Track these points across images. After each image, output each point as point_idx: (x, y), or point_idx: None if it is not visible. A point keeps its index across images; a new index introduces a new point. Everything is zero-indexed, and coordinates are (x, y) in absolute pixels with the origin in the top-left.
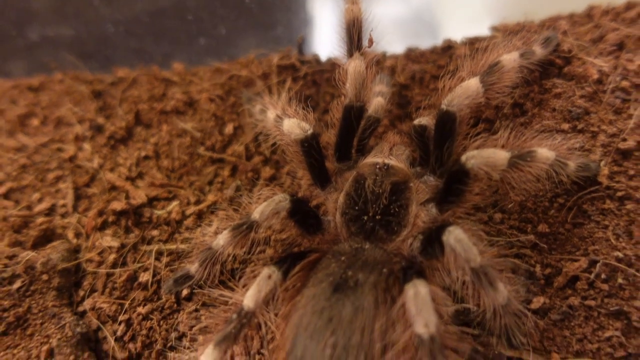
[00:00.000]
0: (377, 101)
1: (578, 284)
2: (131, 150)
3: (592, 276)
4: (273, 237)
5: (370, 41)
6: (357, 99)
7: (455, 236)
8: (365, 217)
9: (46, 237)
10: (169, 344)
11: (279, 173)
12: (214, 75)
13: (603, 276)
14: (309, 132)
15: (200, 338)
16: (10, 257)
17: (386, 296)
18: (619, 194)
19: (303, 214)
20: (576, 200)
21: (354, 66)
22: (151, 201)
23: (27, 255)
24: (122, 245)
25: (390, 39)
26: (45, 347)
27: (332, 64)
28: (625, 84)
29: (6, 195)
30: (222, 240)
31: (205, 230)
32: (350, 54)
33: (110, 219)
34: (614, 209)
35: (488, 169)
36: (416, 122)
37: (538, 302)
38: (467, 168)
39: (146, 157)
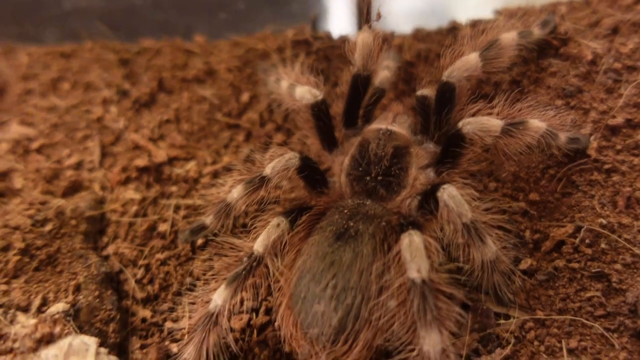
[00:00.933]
0: (383, 74)
1: (564, 248)
2: (154, 114)
3: (577, 241)
4: (282, 196)
5: (379, 15)
6: (364, 68)
7: (449, 193)
8: (368, 178)
9: (74, 188)
10: (184, 287)
11: (290, 139)
12: (233, 47)
13: (587, 241)
14: (319, 97)
15: (213, 282)
16: (43, 203)
17: (383, 244)
18: (606, 166)
19: (311, 171)
20: (566, 172)
21: (362, 38)
22: (171, 160)
23: (58, 202)
24: (144, 199)
25: (400, 20)
26: (73, 282)
27: (344, 41)
28: (617, 65)
29: (39, 150)
30: (235, 193)
31: (220, 187)
32: (359, 27)
33: (134, 174)
34: (600, 181)
35: (482, 134)
36: (418, 92)
37: (526, 263)
38: (463, 132)
39: (167, 121)
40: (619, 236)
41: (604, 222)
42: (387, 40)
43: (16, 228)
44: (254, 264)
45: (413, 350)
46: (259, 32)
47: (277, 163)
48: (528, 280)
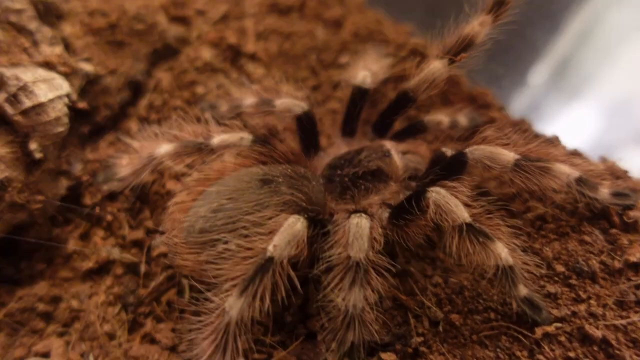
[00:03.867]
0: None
1: None
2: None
3: None
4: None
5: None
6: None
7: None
8: (339, 171)
9: (183, 19)
10: None
11: None
12: None
13: None
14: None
15: None
16: None
17: (279, 208)
18: (538, 357)
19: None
20: (502, 327)
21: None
22: (252, 55)
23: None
24: (210, 63)
25: None
26: None
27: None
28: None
29: None
30: (164, 150)
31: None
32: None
33: (222, 45)
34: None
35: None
36: (440, 149)
37: (390, 358)
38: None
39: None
40: None
41: None
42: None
43: None
44: (202, 149)
45: None
46: None
47: (229, 138)
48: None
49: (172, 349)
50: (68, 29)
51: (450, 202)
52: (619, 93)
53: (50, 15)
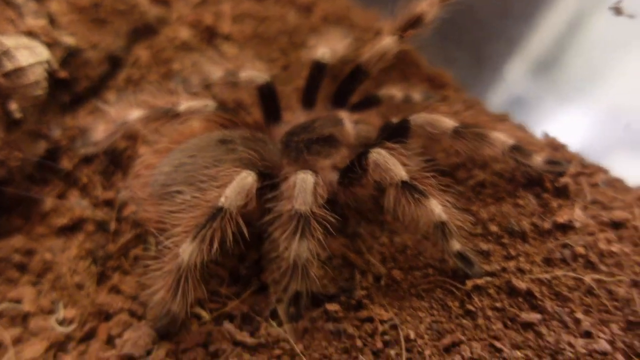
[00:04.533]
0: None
1: (367, 325)
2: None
3: (381, 329)
4: None
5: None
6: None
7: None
8: (295, 138)
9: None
10: None
11: None
12: None
13: (386, 336)
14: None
15: None
16: None
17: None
18: (469, 307)
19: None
20: (438, 281)
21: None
22: (227, 36)
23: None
24: (189, 41)
25: None
26: None
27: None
28: (580, 250)
29: None
30: (136, 114)
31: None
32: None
33: (200, 27)
34: (453, 310)
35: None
36: (387, 120)
37: (334, 307)
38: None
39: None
40: (409, 349)
41: (414, 337)
42: None
43: None
44: (170, 114)
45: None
46: None
47: (194, 105)
48: (321, 319)
49: (135, 297)
50: (54, 6)
51: (388, 161)
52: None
53: None
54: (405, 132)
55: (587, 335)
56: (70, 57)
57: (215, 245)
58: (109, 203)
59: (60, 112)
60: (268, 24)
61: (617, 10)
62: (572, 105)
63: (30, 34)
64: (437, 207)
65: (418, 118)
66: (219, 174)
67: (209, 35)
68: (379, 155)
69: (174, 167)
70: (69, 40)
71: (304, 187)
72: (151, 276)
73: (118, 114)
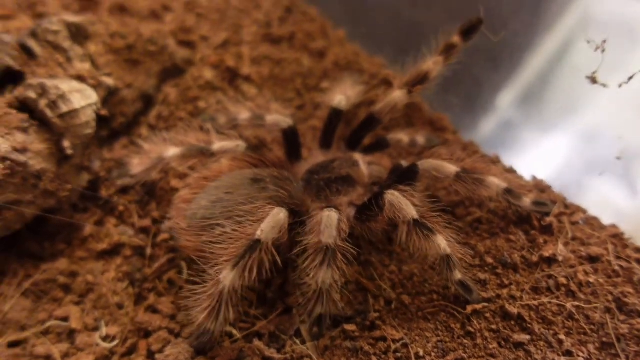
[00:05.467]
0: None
1: (381, 343)
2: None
3: (393, 347)
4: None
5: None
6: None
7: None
8: (316, 176)
9: (187, 44)
10: None
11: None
12: None
13: (398, 354)
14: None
15: None
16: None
17: (264, 203)
18: (469, 328)
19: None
20: (442, 305)
21: (396, 96)
22: (246, 77)
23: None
24: (210, 82)
25: None
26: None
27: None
28: (562, 280)
29: None
30: (172, 152)
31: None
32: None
33: (223, 67)
34: (456, 331)
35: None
36: (398, 162)
37: (352, 328)
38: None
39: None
40: None
41: (422, 355)
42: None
43: None
44: (204, 152)
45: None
46: None
47: (227, 145)
48: (340, 338)
49: (172, 317)
50: (92, 47)
51: (402, 202)
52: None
53: (79, 36)
54: (414, 176)
55: (569, 353)
56: (109, 96)
57: (254, 273)
58: (144, 230)
59: (99, 146)
60: (283, 67)
61: (593, 80)
62: (553, 134)
63: (79, 77)
64: (442, 242)
65: (425, 163)
66: (255, 210)
67: (231, 76)
68: (393, 196)
69: (212, 202)
70: (108, 80)
71: (329, 223)
72: (192, 298)
73: (152, 150)
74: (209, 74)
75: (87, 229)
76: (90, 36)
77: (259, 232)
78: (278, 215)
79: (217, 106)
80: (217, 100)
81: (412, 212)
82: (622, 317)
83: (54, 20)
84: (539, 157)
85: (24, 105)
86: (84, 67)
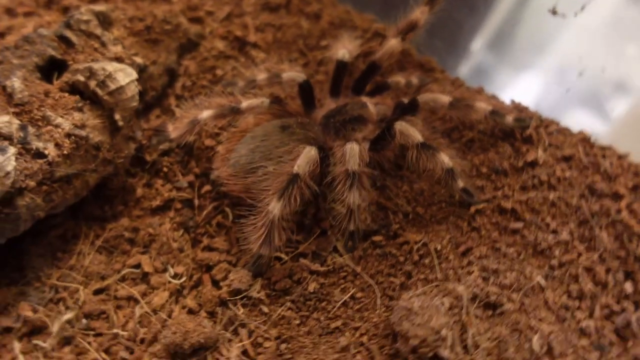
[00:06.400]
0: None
1: (405, 246)
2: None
3: (415, 247)
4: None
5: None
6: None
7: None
8: (332, 120)
9: (197, 20)
10: None
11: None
12: None
13: (420, 252)
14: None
15: None
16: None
17: (295, 144)
18: (474, 225)
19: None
20: (450, 210)
21: (392, 44)
22: (254, 44)
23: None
24: (223, 52)
25: None
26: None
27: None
28: (544, 177)
29: None
30: (205, 114)
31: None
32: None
33: (230, 37)
34: (463, 228)
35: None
36: (399, 99)
37: (379, 238)
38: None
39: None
40: (439, 263)
41: (440, 249)
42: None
43: None
44: (234, 111)
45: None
46: None
47: (253, 102)
48: (370, 248)
49: (228, 251)
50: (116, 32)
51: (409, 129)
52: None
53: (105, 23)
54: (416, 108)
55: (555, 232)
56: (140, 73)
57: (297, 202)
58: (189, 185)
59: (137, 118)
60: (284, 31)
61: (553, 12)
62: (526, 72)
63: (117, 59)
64: (445, 158)
65: (424, 97)
66: (289, 150)
67: (240, 44)
68: (402, 126)
69: (251, 150)
70: (138, 60)
71: (352, 153)
72: (245, 231)
73: (187, 114)
74: (220, 45)
75: (138, 190)
76: (113, 22)
77: (296, 168)
78: (310, 152)
79: (232, 72)
80: (232, 67)
81: (418, 137)
82: (593, 200)
83: (83, 11)
84: (515, 95)
85: (73, 88)
86: (117, 49)
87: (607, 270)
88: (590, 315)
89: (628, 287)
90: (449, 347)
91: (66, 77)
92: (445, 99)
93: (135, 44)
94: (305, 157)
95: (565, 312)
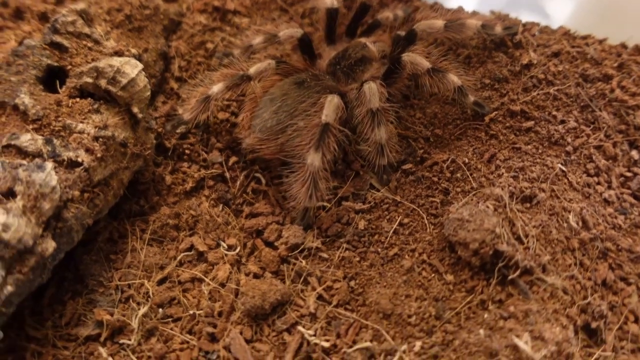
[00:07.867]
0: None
1: (435, 167)
2: None
3: (445, 165)
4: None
5: None
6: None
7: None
8: (338, 66)
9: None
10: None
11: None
12: None
13: (451, 168)
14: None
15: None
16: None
17: (316, 97)
18: (492, 132)
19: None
20: (465, 125)
21: None
22: (235, 12)
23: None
24: (206, 25)
25: None
26: (145, 46)
27: None
28: (541, 76)
29: None
30: (216, 88)
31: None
32: None
33: (209, 9)
34: (482, 138)
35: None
36: (396, 32)
37: (408, 165)
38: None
39: None
40: (471, 174)
41: (467, 161)
42: None
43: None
44: (244, 78)
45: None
46: None
47: (261, 66)
48: (403, 176)
49: (272, 213)
50: (100, 28)
51: (417, 58)
52: None
53: (88, 20)
54: (414, 38)
55: (562, 122)
56: None
57: (333, 150)
58: (217, 160)
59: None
60: None
61: None
62: None
63: (116, 53)
64: (454, 77)
65: (420, 25)
66: (312, 103)
67: (221, 15)
68: (409, 57)
69: (274, 112)
70: (133, 50)
71: (372, 92)
72: (288, 190)
73: (195, 93)
74: (201, 18)
75: (167, 178)
76: (93, 18)
77: (324, 117)
78: (333, 100)
79: (222, 43)
80: (220, 38)
81: (426, 64)
82: (588, 85)
83: (66, 12)
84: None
85: (82, 92)
86: (112, 44)
87: (614, 144)
88: (609, 186)
89: (635, 154)
90: (505, 241)
91: (72, 82)
92: (440, 22)
93: (121, 36)
94: (331, 106)
95: (588, 188)
